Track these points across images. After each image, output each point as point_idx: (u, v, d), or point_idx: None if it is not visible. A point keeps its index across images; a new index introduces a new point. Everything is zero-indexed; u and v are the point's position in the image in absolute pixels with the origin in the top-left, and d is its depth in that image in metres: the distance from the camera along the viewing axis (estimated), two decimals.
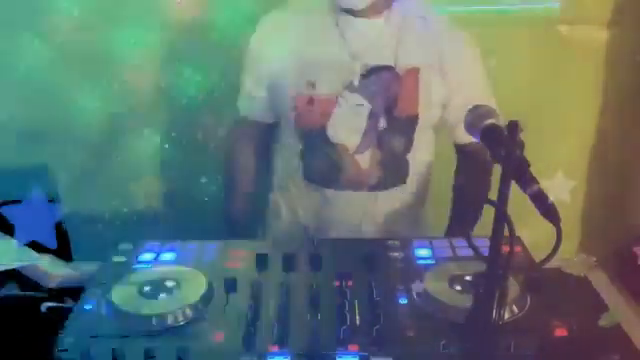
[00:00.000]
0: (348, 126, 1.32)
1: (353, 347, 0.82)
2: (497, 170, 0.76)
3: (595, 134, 1.84)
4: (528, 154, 0.76)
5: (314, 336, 0.84)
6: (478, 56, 1.37)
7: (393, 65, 1.30)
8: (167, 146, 1.76)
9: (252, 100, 1.42)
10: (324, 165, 1.36)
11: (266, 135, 1.47)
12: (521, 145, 0.75)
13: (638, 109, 1.76)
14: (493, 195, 0.74)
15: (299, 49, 1.35)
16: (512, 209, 0.73)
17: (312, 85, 1.33)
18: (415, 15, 1.35)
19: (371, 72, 1.31)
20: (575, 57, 1.75)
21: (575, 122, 1.82)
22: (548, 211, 0.75)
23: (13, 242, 1.10)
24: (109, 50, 1.66)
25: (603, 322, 0.87)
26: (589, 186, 1.88)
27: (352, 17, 1.31)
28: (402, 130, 1.33)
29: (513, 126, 0.75)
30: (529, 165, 0.76)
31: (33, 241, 1.11)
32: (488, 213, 0.75)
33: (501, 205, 0.73)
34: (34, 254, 1.07)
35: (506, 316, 0.83)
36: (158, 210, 1.74)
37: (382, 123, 1.32)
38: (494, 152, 0.78)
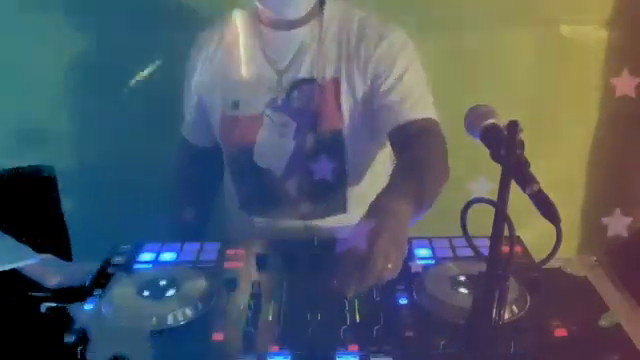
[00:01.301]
0: (274, 149, 1.26)
1: (353, 347, 0.82)
2: (497, 170, 0.76)
3: (595, 134, 1.84)
4: (528, 154, 0.76)
5: (314, 336, 0.84)
6: (411, 56, 1.26)
7: (315, 77, 1.24)
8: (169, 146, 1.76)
9: (187, 122, 1.41)
10: (253, 192, 1.31)
11: (210, 161, 1.41)
12: (521, 145, 0.75)
13: (638, 109, 1.76)
14: (493, 195, 0.74)
15: (223, 67, 1.30)
16: (512, 209, 0.73)
17: (236, 104, 1.28)
18: (342, 21, 1.27)
19: (294, 87, 1.25)
20: (575, 57, 1.74)
21: (575, 122, 1.82)
22: (548, 211, 0.75)
23: (13, 242, 1.10)
24: None
25: (603, 322, 0.87)
26: (589, 186, 1.88)
27: (273, 30, 1.26)
28: (330, 150, 1.24)
29: (513, 126, 0.75)
30: (529, 165, 0.76)
31: (33, 241, 1.11)
32: (488, 213, 0.75)
33: (501, 205, 0.73)
34: (34, 254, 1.07)
35: (506, 316, 0.83)
36: (158, 210, 1.73)
37: (309, 143, 1.25)
38: (494, 152, 0.78)
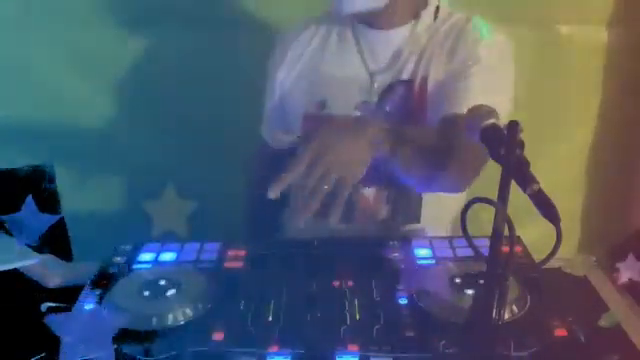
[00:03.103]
0: None
1: (353, 347, 0.82)
2: (497, 170, 0.76)
3: (595, 134, 1.84)
4: (528, 154, 0.76)
5: (314, 336, 0.84)
6: (509, 61, 1.23)
7: (412, 80, 1.22)
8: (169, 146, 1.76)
9: (267, 124, 1.37)
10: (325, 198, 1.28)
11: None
12: (521, 145, 0.75)
13: (638, 109, 1.76)
14: (493, 195, 0.74)
15: (313, 66, 1.28)
16: (512, 209, 0.73)
17: (323, 104, 1.26)
18: (445, 24, 1.24)
19: (388, 89, 1.23)
20: (575, 57, 1.75)
21: (575, 122, 1.82)
22: (548, 211, 0.75)
23: (13, 242, 1.10)
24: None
25: (603, 322, 0.87)
26: (589, 186, 1.88)
27: (370, 29, 1.24)
28: None
29: (513, 126, 0.75)
30: (529, 165, 0.76)
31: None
32: (488, 213, 0.75)
33: (501, 205, 0.73)
34: (34, 254, 1.07)
35: (506, 316, 0.83)
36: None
37: None
38: (494, 152, 0.78)
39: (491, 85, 1.17)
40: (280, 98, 1.34)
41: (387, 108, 1.22)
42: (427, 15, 1.25)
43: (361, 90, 1.24)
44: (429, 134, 1.14)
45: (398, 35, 1.24)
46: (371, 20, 1.24)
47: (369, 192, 1.25)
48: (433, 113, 1.21)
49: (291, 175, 0.92)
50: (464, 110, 1.09)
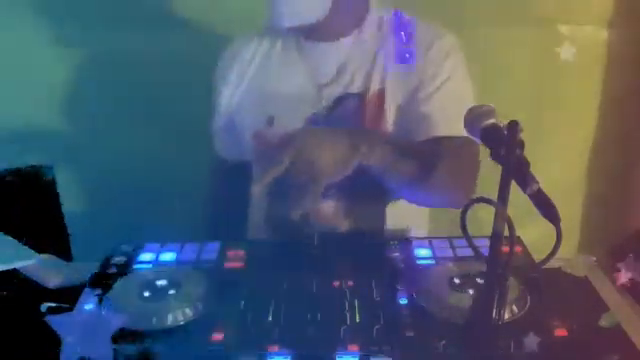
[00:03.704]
0: None
1: (353, 347, 0.82)
2: (497, 170, 0.76)
3: (595, 134, 1.84)
4: (528, 154, 0.76)
5: (314, 336, 0.84)
6: (457, 65, 1.21)
7: (361, 92, 1.20)
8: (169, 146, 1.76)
9: (217, 140, 1.36)
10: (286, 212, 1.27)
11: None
12: (521, 145, 0.75)
13: (638, 109, 1.76)
14: (493, 195, 0.74)
15: (258, 82, 1.26)
16: (512, 209, 0.73)
17: (270, 121, 1.23)
18: (393, 30, 1.21)
19: (337, 102, 1.21)
20: (575, 57, 1.74)
21: (575, 122, 1.82)
22: (548, 211, 0.75)
23: (13, 242, 1.10)
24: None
25: (603, 322, 0.87)
26: (589, 186, 1.88)
27: (314, 42, 1.22)
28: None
29: (513, 126, 0.75)
30: (529, 165, 0.76)
31: (33, 241, 1.11)
32: (488, 213, 0.75)
33: (501, 205, 0.73)
34: (34, 254, 1.07)
35: (506, 316, 0.83)
36: (159, 210, 1.74)
37: None
38: (494, 152, 0.78)
39: (458, 94, 1.18)
40: (228, 114, 1.32)
41: (337, 121, 1.20)
42: (370, 24, 1.23)
43: (308, 105, 1.22)
44: (422, 149, 1.13)
45: (342, 46, 1.22)
46: (313, 33, 1.22)
47: (326, 205, 1.23)
48: (397, 127, 1.19)
49: (271, 175, 0.93)
50: (440, 131, 1.13)
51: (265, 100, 1.26)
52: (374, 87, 1.20)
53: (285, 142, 0.97)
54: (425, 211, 1.35)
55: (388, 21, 1.24)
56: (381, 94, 1.20)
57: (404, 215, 1.26)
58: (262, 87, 1.27)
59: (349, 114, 1.20)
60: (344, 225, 1.25)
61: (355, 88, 1.21)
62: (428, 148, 1.12)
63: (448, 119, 1.14)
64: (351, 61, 1.22)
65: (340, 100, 1.21)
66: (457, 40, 1.23)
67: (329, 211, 1.24)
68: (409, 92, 1.19)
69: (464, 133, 1.05)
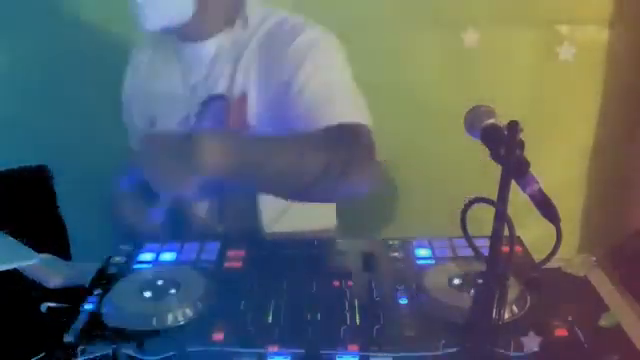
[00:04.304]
0: None
1: (353, 347, 0.82)
2: (497, 170, 0.76)
3: (595, 134, 1.84)
4: (528, 154, 0.76)
5: (314, 336, 0.84)
6: (325, 55, 1.17)
7: (227, 93, 1.19)
8: None
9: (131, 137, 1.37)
10: (169, 216, 1.26)
11: None
12: (521, 145, 0.75)
13: (638, 109, 1.76)
14: (493, 195, 0.74)
15: (143, 82, 1.29)
16: (512, 209, 0.73)
17: (153, 122, 1.25)
18: (257, 27, 1.20)
19: (204, 104, 1.21)
20: (575, 57, 1.75)
21: (575, 122, 1.82)
22: (548, 211, 0.75)
23: (13, 242, 1.10)
24: None
25: (603, 322, 0.87)
26: (589, 186, 1.88)
27: (183, 43, 1.22)
28: None
29: (513, 126, 0.75)
30: (529, 165, 0.76)
31: (33, 241, 1.11)
32: (488, 213, 0.75)
33: (501, 205, 0.73)
34: (34, 254, 1.07)
35: (506, 316, 0.83)
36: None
37: None
38: (494, 152, 0.78)
39: (329, 87, 1.13)
40: (128, 114, 1.35)
41: (204, 123, 1.19)
42: (241, 23, 1.22)
43: (183, 105, 1.22)
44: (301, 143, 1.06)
45: (211, 46, 1.22)
46: (183, 33, 1.21)
47: (200, 206, 1.25)
48: (269, 127, 1.17)
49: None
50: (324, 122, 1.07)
51: (148, 101, 1.27)
52: (237, 88, 1.19)
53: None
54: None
55: (260, 20, 1.22)
56: (244, 96, 1.19)
57: (310, 208, 1.25)
58: (146, 87, 1.29)
59: (217, 115, 1.20)
60: (219, 226, 1.26)
61: (221, 89, 1.21)
62: (305, 141, 1.06)
63: (329, 107, 1.10)
64: (218, 62, 1.22)
65: (208, 101, 1.21)
66: (321, 32, 1.20)
67: (203, 210, 1.26)
68: (277, 91, 1.16)
69: (348, 119, 1.07)
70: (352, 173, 1.03)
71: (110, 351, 0.82)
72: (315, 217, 1.33)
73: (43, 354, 0.84)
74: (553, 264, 0.79)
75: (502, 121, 0.82)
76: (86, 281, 1.01)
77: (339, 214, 1.44)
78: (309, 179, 1.01)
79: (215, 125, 1.19)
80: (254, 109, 1.18)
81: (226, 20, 1.22)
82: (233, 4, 1.23)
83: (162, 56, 1.28)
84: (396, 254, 1.06)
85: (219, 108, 1.20)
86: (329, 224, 1.39)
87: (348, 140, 1.06)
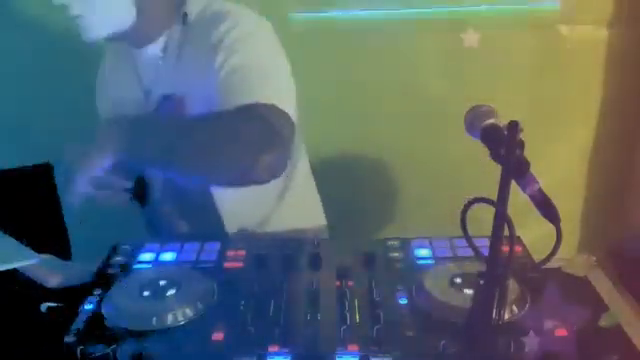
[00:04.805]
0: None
1: (353, 347, 0.82)
2: (497, 170, 0.76)
3: (595, 134, 1.84)
4: (528, 154, 0.76)
5: (314, 336, 0.84)
6: (256, 42, 1.15)
7: (171, 95, 1.20)
8: None
9: None
10: (148, 215, 1.31)
11: None
12: (521, 145, 0.75)
13: (638, 109, 1.76)
14: (493, 195, 0.74)
15: (105, 87, 1.32)
16: (512, 209, 0.73)
17: None
18: (196, 24, 1.20)
19: (157, 106, 1.22)
20: (575, 57, 1.75)
21: (575, 122, 1.82)
22: (548, 211, 0.75)
23: (13, 242, 1.10)
24: None
25: (603, 322, 0.87)
26: (589, 186, 1.88)
27: (133, 48, 1.24)
28: None
29: (513, 126, 0.75)
30: (529, 165, 0.76)
31: (33, 241, 1.11)
32: (488, 213, 0.75)
33: (501, 205, 0.73)
34: (34, 254, 1.07)
35: (506, 316, 0.83)
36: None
37: None
38: (494, 152, 0.78)
39: (249, 71, 1.11)
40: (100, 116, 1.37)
41: None
42: (180, 20, 1.22)
43: (142, 108, 1.24)
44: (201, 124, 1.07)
45: (156, 48, 1.23)
46: (130, 39, 1.22)
47: (167, 208, 1.29)
48: None
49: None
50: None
51: (111, 104, 1.30)
52: (181, 87, 1.20)
53: None
54: (318, 201, 1.37)
55: (199, 13, 1.21)
56: (186, 95, 1.20)
57: (298, 205, 1.29)
58: (111, 94, 1.31)
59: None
60: (182, 225, 1.30)
61: (169, 90, 1.22)
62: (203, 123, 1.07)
63: (248, 88, 1.08)
64: (164, 62, 1.23)
65: (159, 104, 1.23)
66: (255, 20, 1.19)
67: (167, 210, 1.30)
68: (213, 87, 1.14)
69: (262, 100, 1.05)
70: (261, 153, 1.01)
71: (110, 351, 0.82)
72: (304, 217, 1.35)
73: (43, 354, 0.84)
74: (553, 264, 0.79)
75: (502, 121, 0.82)
76: (86, 281, 1.01)
77: (339, 214, 1.44)
78: (224, 160, 1.01)
79: None
80: (195, 108, 1.19)
81: (168, 19, 1.22)
82: (173, 3, 1.23)
83: (120, 62, 1.30)
84: (396, 254, 1.06)
85: (169, 109, 1.21)
86: (319, 223, 1.40)
87: (260, 118, 1.04)
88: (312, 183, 1.41)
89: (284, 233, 1.29)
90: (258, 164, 1.01)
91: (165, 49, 1.22)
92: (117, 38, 1.20)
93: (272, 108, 1.06)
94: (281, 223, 1.30)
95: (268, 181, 1.06)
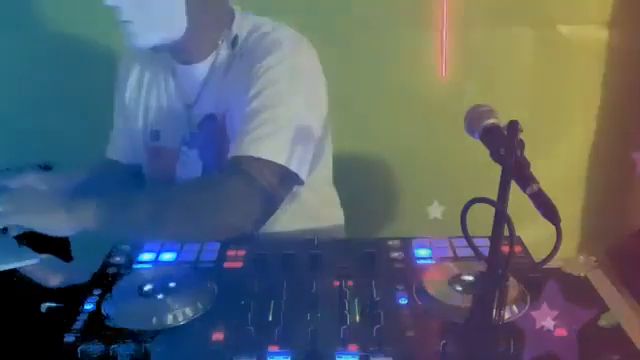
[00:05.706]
0: None
1: (353, 347, 0.82)
2: (497, 170, 0.76)
3: (595, 134, 1.84)
4: (528, 154, 0.76)
5: (314, 336, 0.84)
6: (281, 77, 1.14)
7: (216, 114, 1.21)
8: None
9: (114, 144, 1.39)
10: None
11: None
12: (521, 145, 0.75)
13: (638, 109, 1.76)
14: (493, 195, 0.74)
15: (146, 96, 1.30)
16: (512, 209, 0.73)
17: (156, 135, 1.27)
18: (242, 46, 1.20)
19: (201, 123, 1.23)
20: (575, 57, 1.75)
21: (575, 122, 1.82)
22: (548, 211, 0.75)
23: (13, 242, 1.10)
24: None
25: (603, 322, 0.87)
26: (589, 186, 1.88)
27: (179, 64, 1.24)
28: None
29: (513, 126, 0.75)
30: (529, 165, 0.76)
31: (33, 241, 1.11)
32: (488, 213, 0.75)
33: (501, 205, 0.73)
34: (34, 254, 1.07)
35: (506, 316, 0.83)
36: None
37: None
38: (494, 152, 0.78)
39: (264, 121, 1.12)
40: (124, 122, 1.36)
41: (200, 142, 1.23)
42: (226, 45, 1.22)
43: (182, 123, 1.25)
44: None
45: (204, 68, 1.23)
46: (175, 54, 1.23)
47: None
48: None
49: None
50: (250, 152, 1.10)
51: (152, 114, 1.29)
52: (223, 107, 1.21)
53: None
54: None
55: (246, 35, 1.22)
56: (223, 117, 1.21)
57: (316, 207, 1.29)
58: (150, 101, 1.30)
59: (207, 136, 1.22)
60: None
61: (212, 109, 1.22)
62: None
63: (254, 140, 1.11)
64: (209, 82, 1.23)
65: (202, 121, 1.23)
66: (297, 55, 1.19)
67: None
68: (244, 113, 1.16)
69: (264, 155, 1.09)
70: (226, 209, 1.09)
71: (110, 351, 0.82)
72: (323, 216, 1.34)
73: (43, 354, 0.84)
74: (553, 264, 0.79)
75: (502, 121, 0.82)
76: (86, 281, 1.01)
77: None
78: (207, 227, 1.09)
79: (208, 144, 1.22)
80: (234, 125, 1.19)
81: (216, 37, 1.22)
82: (224, 21, 1.23)
83: (159, 73, 1.29)
84: (396, 254, 1.06)
85: (210, 128, 1.22)
86: (338, 222, 1.40)
87: (241, 174, 1.09)
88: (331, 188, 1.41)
89: (297, 232, 1.29)
90: (240, 223, 1.10)
91: (212, 69, 1.22)
92: (162, 49, 1.20)
93: (259, 161, 1.10)
94: (301, 221, 1.29)
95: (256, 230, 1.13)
